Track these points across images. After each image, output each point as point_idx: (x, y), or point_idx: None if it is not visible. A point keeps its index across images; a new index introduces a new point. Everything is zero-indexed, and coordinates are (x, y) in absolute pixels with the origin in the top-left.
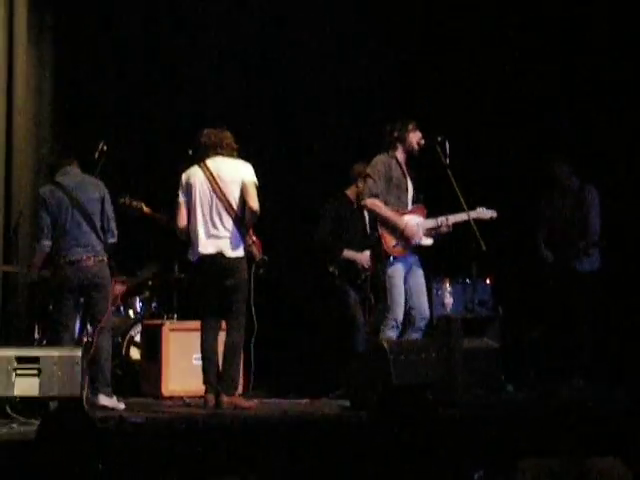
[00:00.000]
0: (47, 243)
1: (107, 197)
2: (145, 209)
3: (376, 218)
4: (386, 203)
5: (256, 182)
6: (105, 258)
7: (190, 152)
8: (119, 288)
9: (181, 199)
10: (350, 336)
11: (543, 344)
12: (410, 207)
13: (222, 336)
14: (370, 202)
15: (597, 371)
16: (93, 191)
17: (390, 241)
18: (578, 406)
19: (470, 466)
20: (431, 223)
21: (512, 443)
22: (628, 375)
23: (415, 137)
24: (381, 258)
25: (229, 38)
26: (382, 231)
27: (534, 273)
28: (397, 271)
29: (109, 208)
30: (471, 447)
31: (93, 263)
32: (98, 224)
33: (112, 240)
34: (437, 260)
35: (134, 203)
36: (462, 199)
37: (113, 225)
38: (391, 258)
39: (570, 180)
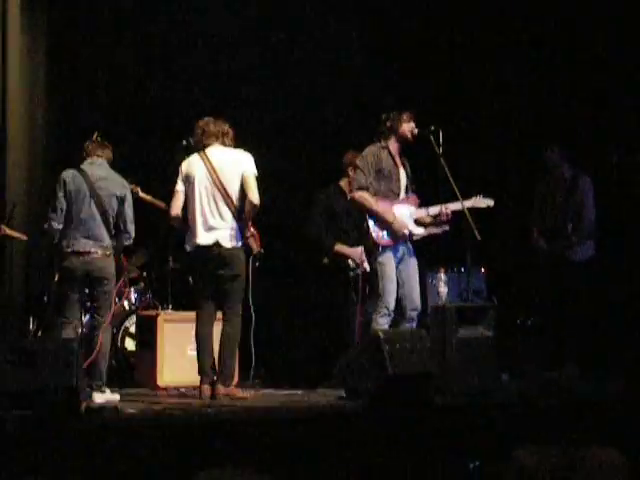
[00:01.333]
0: (58, 227)
1: (129, 198)
2: (141, 194)
3: (364, 210)
4: (376, 193)
5: (256, 173)
6: (112, 253)
7: (184, 142)
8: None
9: (179, 188)
10: (345, 326)
11: (537, 333)
12: (402, 196)
13: (217, 327)
14: (358, 195)
15: (592, 359)
16: (115, 188)
17: (379, 232)
18: (573, 394)
19: (465, 455)
20: (422, 212)
21: (507, 432)
22: (622, 363)
23: (408, 127)
24: (371, 248)
25: (224, 27)
26: (370, 222)
27: (528, 262)
28: (388, 259)
29: (129, 210)
30: (466, 436)
31: (100, 256)
32: (112, 220)
33: (128, 242)
34: (432, 249)
35: (130, 187)
36: (456, 188)
37: (131, 227)
38: (380, 247)
39: (563, 169)
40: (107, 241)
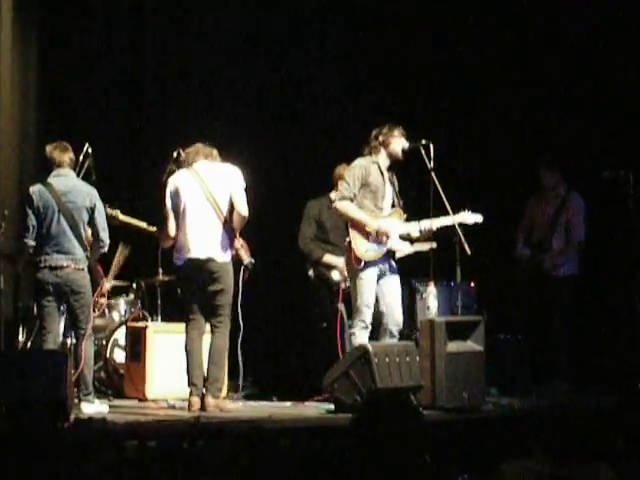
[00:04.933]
0: (31, 243)
1: (99, 206)
2: (121, 217)
3: (347, 222)
4: (360, 207)
5: (245, 186)
6: (85, 267)
7: (175, 153)
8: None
9: (169, 207)
10: (332, 339)
11: (526, 347)
12: (386, 212)
13: (206, 339)
14: (340, 205)
15: (579, 374)
16: (83, 199)
17: (362, 246)
18: (562, 408)
19: (454, 470)
20: (409, 227)
21: (496, 446)
22: (610, 377)
23: (399, 144)
24: (352, 263)
25: (219, 42)
26: (353, 235)
27: (517, 277)
28: (369, 275)
29: (100, 218)
30: (455, 450)
31: (72, 270)
32: (83, 233)
33: (102, 250)
34: (421, 263)
35: (108, 211)
36: (447, 203)
37: (104, 235)
38: (362, 263)
39: (556, 185)
40: (80, 254)
